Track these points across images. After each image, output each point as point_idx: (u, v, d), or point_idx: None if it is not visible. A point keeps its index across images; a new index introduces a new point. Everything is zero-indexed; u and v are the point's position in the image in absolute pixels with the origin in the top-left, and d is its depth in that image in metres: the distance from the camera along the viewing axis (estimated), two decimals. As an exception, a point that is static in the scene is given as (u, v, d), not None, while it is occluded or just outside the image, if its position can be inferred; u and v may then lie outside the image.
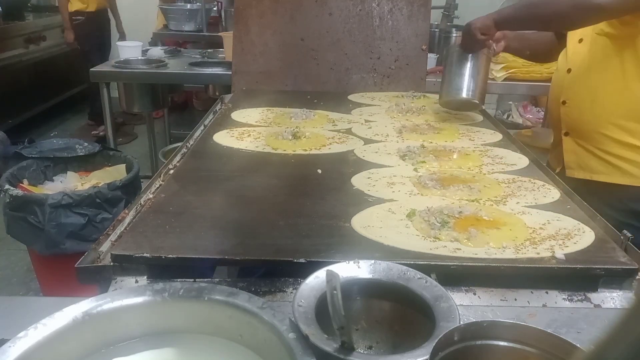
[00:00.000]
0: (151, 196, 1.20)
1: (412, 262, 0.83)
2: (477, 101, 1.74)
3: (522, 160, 1.46)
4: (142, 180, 2.40)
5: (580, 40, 1.52)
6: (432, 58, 2.92)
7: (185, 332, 0.69)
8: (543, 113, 4.09)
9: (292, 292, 0.89)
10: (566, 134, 1.57)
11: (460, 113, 1.89)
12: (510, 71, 2.96)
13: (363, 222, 1.06)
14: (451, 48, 1.78)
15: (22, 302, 0.86)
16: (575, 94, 1.53)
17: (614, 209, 1.39)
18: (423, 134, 1.65)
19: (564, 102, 1.56)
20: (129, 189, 2.24)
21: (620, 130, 1.44)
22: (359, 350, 0.66)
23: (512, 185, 1.27)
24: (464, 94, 1.73)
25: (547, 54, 1.83)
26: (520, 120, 4.38)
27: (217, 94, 3.54)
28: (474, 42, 1.64)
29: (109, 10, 5.06)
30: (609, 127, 1.45)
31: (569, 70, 1.54)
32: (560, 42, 1.67)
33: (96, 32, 4.89)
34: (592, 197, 1.23)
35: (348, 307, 0.63)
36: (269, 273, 0.95)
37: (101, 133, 3.51)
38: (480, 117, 1.88)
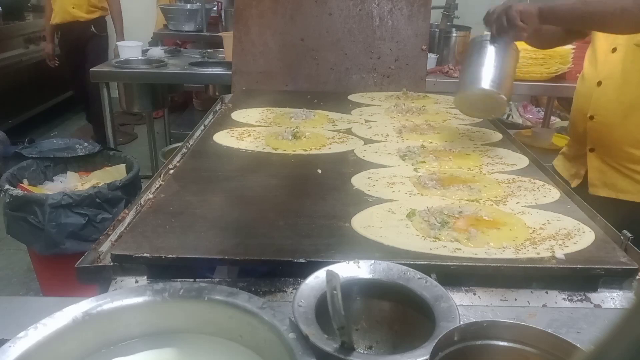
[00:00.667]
0: (151, 196, 1.20)
1: (412, 262, 0.83)
2: (503, 95, 1.37)
3: (522, 160, 1.46)
4: (142, 180, 2.40)
5: (614, 50, 1.40)
6: (432, 58, 2.92)
7: (185, 332, 0.69)
8: (543, 113, 4.09)
9: (292, 292, 0.89)
10: (592, 150, 1.49)
11: (460, 112, 1.70)
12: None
13: (363, 222, 1.06)
14: (474, 41, 1.47)
15: (22, 302, 0.85)
16: (605, 108, 1.43)
17: None
18: (423, 134, 1.65)
19: (591, 117, 1.46)
20: (129, 189, 2.24)
21: None
22: (359, 350, 0.66)
23: (512, 185, 1.27)
24: (485, 85, 1.37)
25: (546, 44, 1.65)
26: (520, 120, 4.38)
27: (217, 94, 3.54)
28: (508, 27, 1.33)
29: (93, 24, 4.48)
30: None
31: (599, 83, 1.43)
32: (568, 38, 1.53)
33: (67, 45, 4.50)
34: (616, 216, 1.15)
35: (348, 307, 0.63)
36: (269, 273, 0.95)
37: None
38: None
